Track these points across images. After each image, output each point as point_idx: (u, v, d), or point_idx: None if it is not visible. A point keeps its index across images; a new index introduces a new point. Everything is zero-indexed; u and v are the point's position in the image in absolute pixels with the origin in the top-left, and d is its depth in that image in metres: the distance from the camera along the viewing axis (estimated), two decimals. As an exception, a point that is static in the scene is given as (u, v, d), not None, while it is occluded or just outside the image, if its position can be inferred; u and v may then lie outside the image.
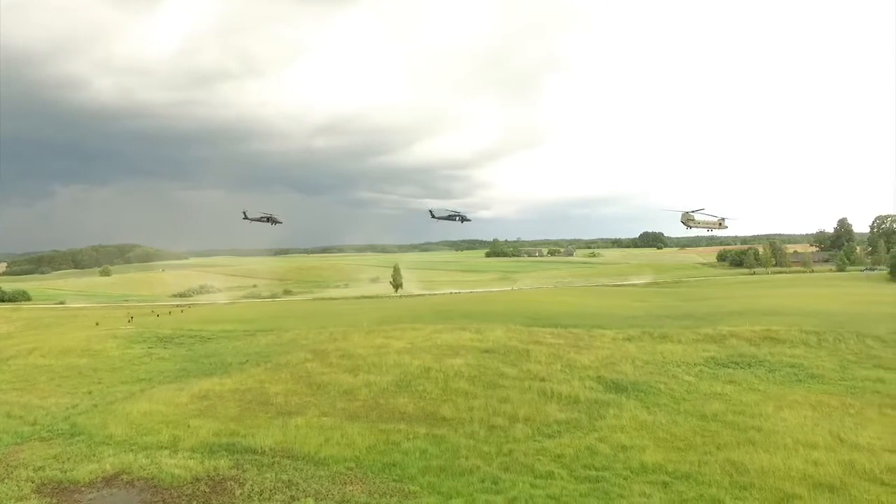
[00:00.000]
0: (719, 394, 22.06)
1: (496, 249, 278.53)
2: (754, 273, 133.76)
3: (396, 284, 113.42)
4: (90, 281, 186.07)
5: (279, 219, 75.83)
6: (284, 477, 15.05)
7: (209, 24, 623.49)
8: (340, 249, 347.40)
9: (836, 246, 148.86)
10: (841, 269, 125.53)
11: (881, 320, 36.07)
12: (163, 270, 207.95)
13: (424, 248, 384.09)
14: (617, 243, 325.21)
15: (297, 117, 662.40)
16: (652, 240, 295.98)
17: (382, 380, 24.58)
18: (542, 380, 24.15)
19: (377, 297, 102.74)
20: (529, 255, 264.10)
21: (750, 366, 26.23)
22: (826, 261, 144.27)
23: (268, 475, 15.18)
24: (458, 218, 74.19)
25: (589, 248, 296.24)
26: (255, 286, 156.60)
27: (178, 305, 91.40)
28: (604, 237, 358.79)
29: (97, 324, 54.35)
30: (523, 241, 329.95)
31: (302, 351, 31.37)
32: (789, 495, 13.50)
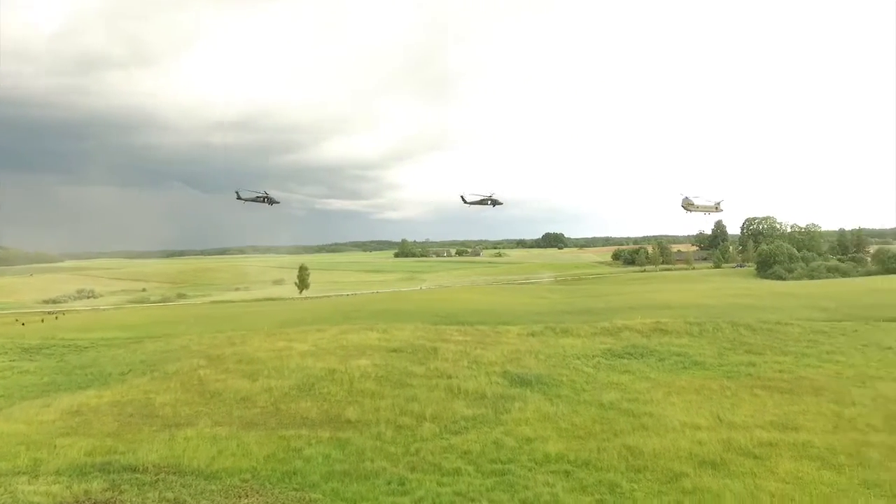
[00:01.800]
0: (615, 383, 23.23)
1: (404, 250, 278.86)
2: (645, 270, 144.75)
3: (302, 286, 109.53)
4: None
5: (276, 199, 68.94)
6: (170, 495, 13.61)
7: (92, 6, 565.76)
8: (241, 251, 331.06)
9: (713, 245, 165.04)
10: (717, 266, 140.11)
11: (750, 310, 40.18)
12: (31, 275, 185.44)
13: (332, 248, 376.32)
14: (521, 244, 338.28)
15: (195, 110, 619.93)
16: (553, 240, 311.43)
17: (284, 384, 23.34)
18: (450, 377, 24.15)
19: (280, 299, 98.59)
20: (438, 256, 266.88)
21: (642, 356, 27.95)
22: (705, 259, 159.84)
23: (150, 494, 13.64)
24: (489, 202, 72.39)
25: (495, 248, 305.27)
26: (143, 290, 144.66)
27: (50, 312, 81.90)
28: (509, 238, 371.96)
29: (-55, 335, 47.12)
30: (432, 242, 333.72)
31: (195, 357, 29.09)
32: (678, 474, 14.33)
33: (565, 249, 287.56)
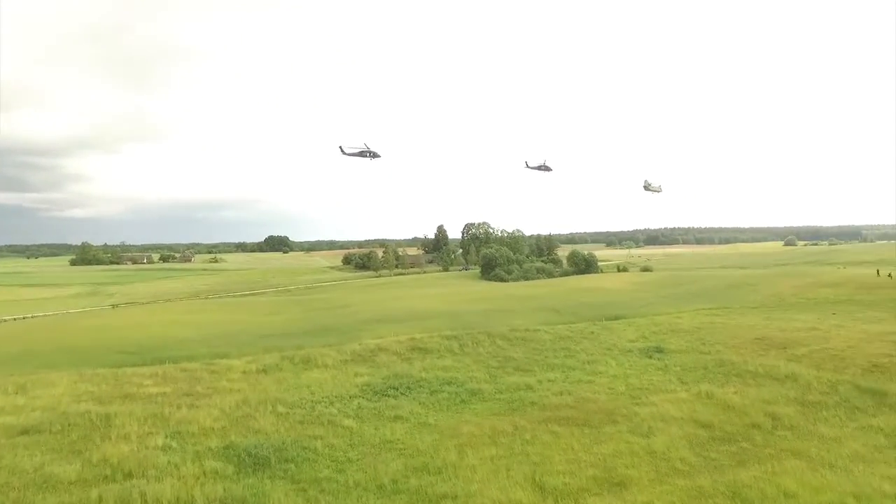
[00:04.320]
0: (390, 441, 17.05)
1: (87, 255, 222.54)
2: (380, 275, 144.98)
3: None
4: None
5: (378, 152, 62.06)
6: None
7: None
8: None
9: (437, 249, 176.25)
10: (445, 269, 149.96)
11: (495, 316, 39.37)
12: None
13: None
14: (242, 247, 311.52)
15: None
16: (278, 243, 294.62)
17: None
18: (129, 476, 14.32)
19: None
20: (135, 262, 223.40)
21: (410, 389, 22.56)
22: (431, 262, 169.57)
23: None
24: (543, 167, 76.37)
25: (210, 252, 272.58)
26: None
27: None
28: (227, 241, 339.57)
29: None
30: (129, 246, 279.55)
31: None
32: None
33: (291, 253, 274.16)
